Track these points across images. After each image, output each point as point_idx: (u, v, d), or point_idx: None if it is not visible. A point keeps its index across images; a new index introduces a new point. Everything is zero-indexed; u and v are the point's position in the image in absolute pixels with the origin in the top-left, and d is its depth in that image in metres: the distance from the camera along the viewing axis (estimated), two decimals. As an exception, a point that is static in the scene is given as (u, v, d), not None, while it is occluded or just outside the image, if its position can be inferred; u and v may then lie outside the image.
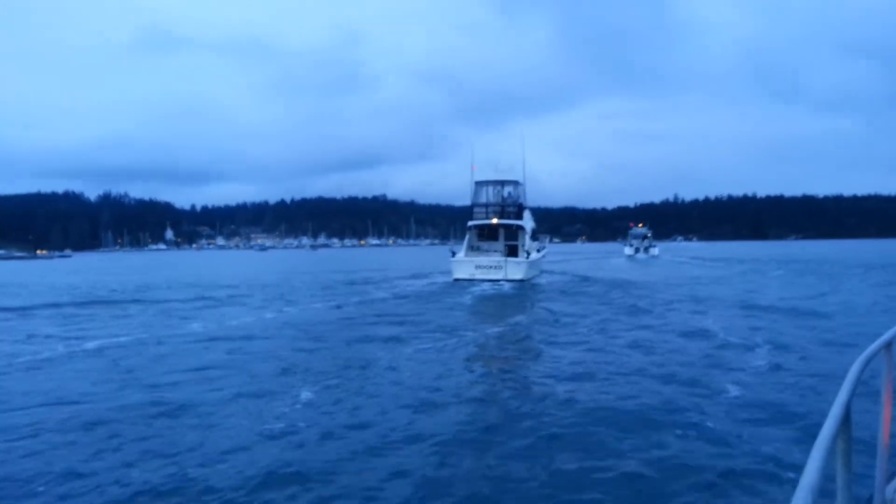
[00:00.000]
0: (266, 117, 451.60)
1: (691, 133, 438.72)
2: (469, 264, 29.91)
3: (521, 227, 32.11)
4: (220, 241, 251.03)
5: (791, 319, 16.14)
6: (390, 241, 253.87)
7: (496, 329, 15.47)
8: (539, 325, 16.39)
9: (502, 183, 33.45)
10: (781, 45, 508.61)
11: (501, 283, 28.30)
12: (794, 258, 57.25)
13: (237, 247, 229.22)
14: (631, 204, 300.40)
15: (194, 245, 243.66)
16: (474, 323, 16.76)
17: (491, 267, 29.24)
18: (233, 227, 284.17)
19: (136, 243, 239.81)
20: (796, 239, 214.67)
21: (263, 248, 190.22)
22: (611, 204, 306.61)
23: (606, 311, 18.95)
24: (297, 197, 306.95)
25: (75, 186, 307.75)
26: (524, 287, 27.70)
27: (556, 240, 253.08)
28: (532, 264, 30.96)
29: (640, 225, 78.76)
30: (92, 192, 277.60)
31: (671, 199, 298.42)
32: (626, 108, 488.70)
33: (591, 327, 15.54)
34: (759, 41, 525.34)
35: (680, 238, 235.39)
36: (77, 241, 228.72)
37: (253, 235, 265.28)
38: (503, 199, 33.41)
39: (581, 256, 74.11)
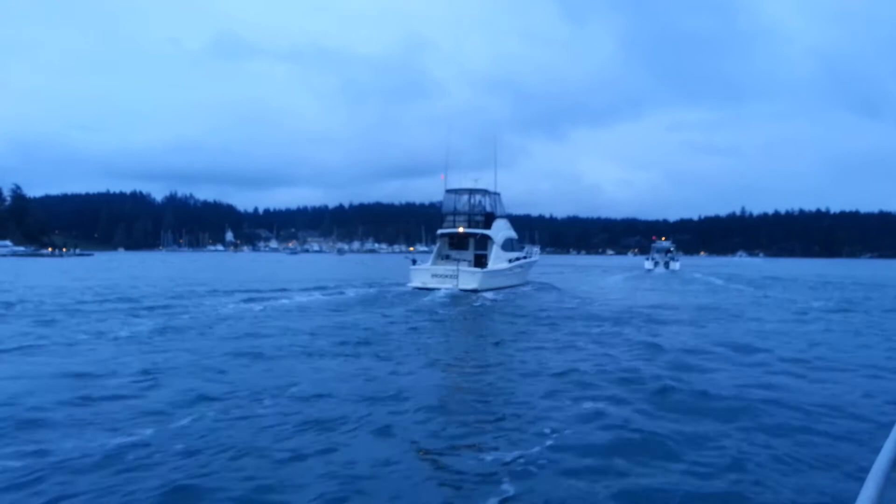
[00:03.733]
0: (330, 123, 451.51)
1: (762, 144, 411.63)
2: (426, 273, 28.82)
3: (487, 237, 30.43)
4: (274, 243, 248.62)
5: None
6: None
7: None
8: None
9: (472, 192, 32.21)
10: (860, 55, 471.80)
11: (452, 292, 26.31)
12: (854, 280, 44.56)
13: (284, 250, 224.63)
14: (695, 216, 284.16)
15: (245, 247, 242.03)
16: None
17: (446, 276, 27.79)
18: (292, 230, 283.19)
19: (196, 244, 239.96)
20: (871, 257, 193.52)
21: (294, 252, 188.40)
22: (673, 216, 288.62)
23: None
24: (356, 202, 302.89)
25: (144, 187, 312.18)
26: (455, 306, 22.29)
27: (609, 252, 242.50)
28: (492, 274, 28.92)
29: (664, 239, 74.68)
30: (160, 194, 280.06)
31: (738, 212, 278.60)
32: (694, 119, 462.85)
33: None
34: (837, 51, 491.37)
35: (742, 253, 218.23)
36: (140, 239, 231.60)
37: (309, 239, 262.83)
38: (471, 207, 32.25)
39: (596, 271, 65.59)
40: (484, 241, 30.80)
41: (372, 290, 28.02)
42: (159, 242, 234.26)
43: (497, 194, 32.94)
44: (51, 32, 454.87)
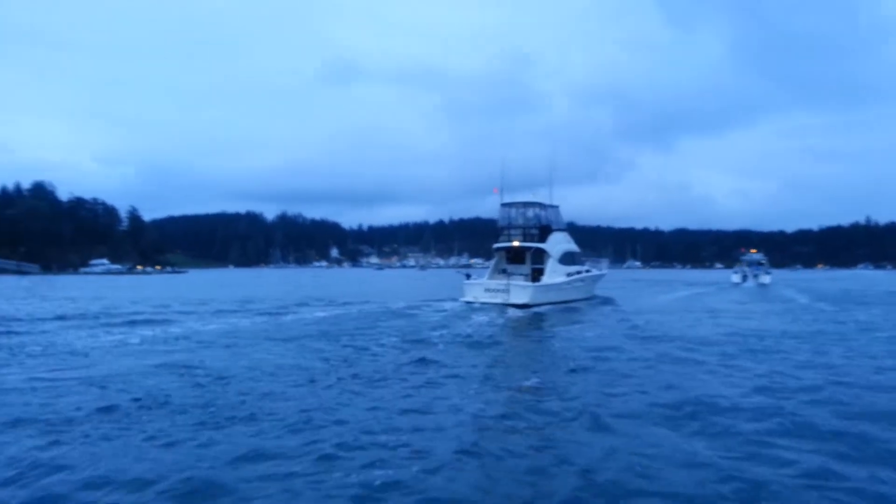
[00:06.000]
0: (435, 142, 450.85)
1: (888, 148, 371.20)
2: (478, 287, 28.21)
3: (542, 250, 29.44)
4: (374, 259, 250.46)
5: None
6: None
7: None
8: None
9: (526, 205, 31.26)
10: None
11: (504, 307, 25.41)
12: None
13: (372, 266, 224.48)
14: (814, 227, 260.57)
15: (346, 263, 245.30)
16: None
17: (498, 290, 26.99)
18: (394, 245, 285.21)
19: (303, 260, 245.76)
20: None
21: (380, 268, 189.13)
22: (791, 227, 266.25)
23: None
24: (456, 217, 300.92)
25: (258, 208, 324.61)
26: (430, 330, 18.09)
27: (718, 265, 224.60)
28: (546, 288, 27.85)
29: (754, 251, 67.37)
30: (272, 213, 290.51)
31: (862, 221, 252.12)
32: (813, 123, 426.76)
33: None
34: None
35: (868, 265, 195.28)
36: (253, 257, 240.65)
37: (409, 254, 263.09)
38: (526, 220, 31.06)
39: (677, 285, 58.12)
40: (540, 255, 29.61)
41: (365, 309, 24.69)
42: (270, 259, 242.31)
43: (555, 207, 32.03)
44: (177, 68, 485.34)
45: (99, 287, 52.97)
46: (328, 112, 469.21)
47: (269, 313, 22.77)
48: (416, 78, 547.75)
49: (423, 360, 12.42)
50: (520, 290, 26.53)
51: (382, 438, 7.00)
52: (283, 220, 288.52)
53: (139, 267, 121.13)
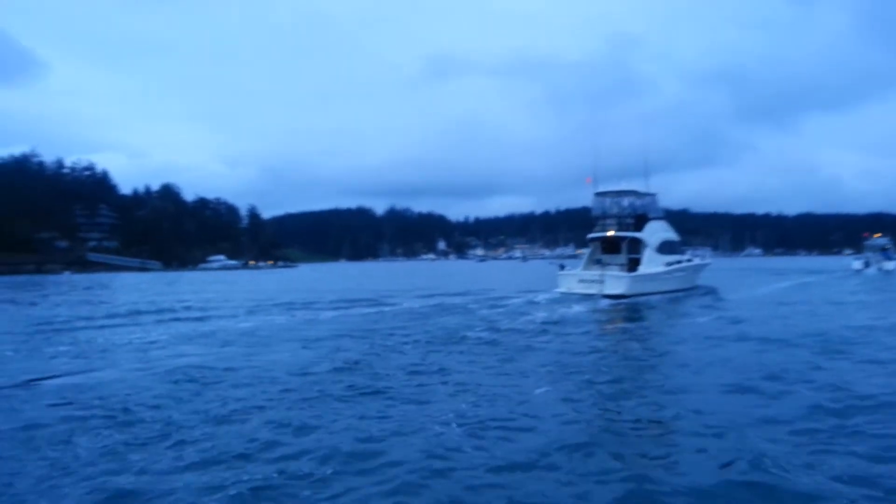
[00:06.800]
0: (539, 131, 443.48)
1: None
2: (572, 278, 27.47)
3: (638, 240, 28.29)
4: (480, 251, 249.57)
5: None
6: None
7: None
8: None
9: (620, 193, 30.22)
10: None
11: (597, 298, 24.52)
12: None
13: (474, 258, 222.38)
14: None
15: (452, 255, 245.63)
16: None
17: (592, 281, 26.21)
18: (501, 237, 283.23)
19: (411, 253, 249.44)
20: None
21: (483, 260, 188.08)
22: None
23: None
24: (562, 208, 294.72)
25: (368, 203, 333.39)
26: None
27: (847, 251, 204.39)
28: (642, 279, 26.61)
29: (878, 235, 59.73)
30: (381, 208, 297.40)
31: None
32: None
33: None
34: None
35: None
36: (363, 250, 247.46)
37: (516, 246, 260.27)
38: (621, 209, 30.21)
39: (792, 274, 51.93)
40: (637, 245, 28.49)
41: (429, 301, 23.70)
42: (379, 253, 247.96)
43: (652, 195, 30.90)
44: (291, 72, 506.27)
45: (201, 282, 54.84)
46: (434, 106, 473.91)
47: (315, 309, 21.62)
48: (520, 68, 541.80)
49: (435, 366, 10.82)
50: (615, 281, 25.69)
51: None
52: (392, 214, 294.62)
53: (252, 262, 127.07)
